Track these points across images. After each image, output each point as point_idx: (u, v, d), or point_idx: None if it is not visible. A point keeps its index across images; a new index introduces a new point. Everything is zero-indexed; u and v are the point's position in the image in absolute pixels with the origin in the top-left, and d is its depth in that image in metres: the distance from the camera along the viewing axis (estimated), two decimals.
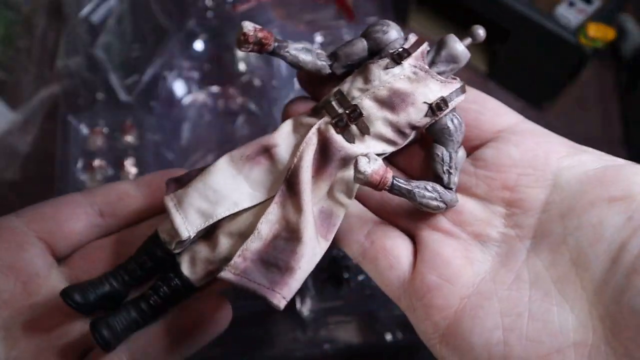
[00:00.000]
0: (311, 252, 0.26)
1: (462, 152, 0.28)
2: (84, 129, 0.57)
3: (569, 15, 0.59)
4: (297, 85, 0.60)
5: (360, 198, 0.30)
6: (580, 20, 0.59)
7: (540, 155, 0.27)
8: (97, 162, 0.56)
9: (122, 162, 0.56)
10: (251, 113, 0.61)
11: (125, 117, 0.58)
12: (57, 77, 0.60)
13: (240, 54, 0.63)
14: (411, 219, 0.29)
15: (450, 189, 0.27)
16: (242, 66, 0.63)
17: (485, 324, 0.25)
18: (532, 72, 0.65)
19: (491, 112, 0.29)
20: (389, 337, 0.50)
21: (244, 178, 0.27)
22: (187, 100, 0.62)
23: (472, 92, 0.29)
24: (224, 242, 0.27)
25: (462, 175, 0.28)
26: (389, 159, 0.30)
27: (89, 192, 0.31)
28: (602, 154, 0.27)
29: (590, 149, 0.27)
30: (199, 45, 0.63)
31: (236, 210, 0.27)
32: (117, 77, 0.59)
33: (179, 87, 0.62)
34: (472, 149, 0.29)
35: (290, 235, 0.26)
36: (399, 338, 0.50)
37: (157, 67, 0.60)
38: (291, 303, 0.51)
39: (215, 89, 0.62)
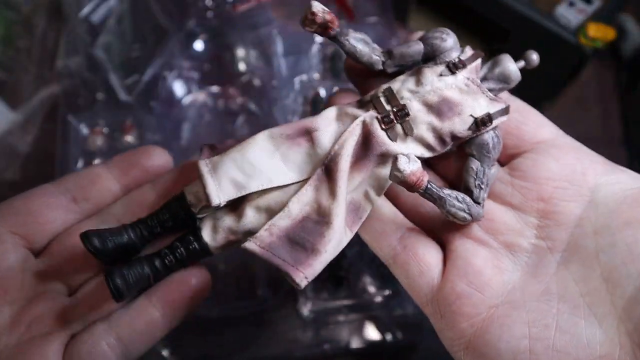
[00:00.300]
0: (338, 238, 0.26)
1: (495, 169, 0.29)
2: (84, 129, 0.57)
3: (569, 15, 0.59)
4: (297, 85, 0.60)
5: (393, 200, 0.31)
6: (580, 20, 0.59)
7: (578, 171, 0.27)
8: (97, 162, 0.56)
9: None
10: (251, 113, 0.61)
11: (125, 117, 0.58)
12: (57, 77, 0.60)
13: (240, 53, 0.63)
14: (443, 225, 0.29)
15: (479, 203, 0.28)
16: (242, 66, 0.63)
17: (512, 333, 0.25)
18: (532, 72, 0.65)
19: (533, 123, 0.29)
20: (389, 337, 0.50)
21: (280, 156, 0.27)
22: (187, 100, 0.62)
23: (516, 102, 0.30)
24: (250, 215, 0.27)
25: (498, 184, 0.29)
26: (427, 162, 0.30)
27: (60, 180, 0.31)
28: (639, 175, 0.27)
29: (627, 170, 0.28)
30: (199, 45, 0.63)
31: (269, 186, 0.27)
32: (117, 77, 0.59)
33: (179, 87, 0.62)
34: (510, 157, 0.29)
35: (320, 218, 0.26)
36: (399, 338, 0.50)
37: (157, 67, 0.60)
38: (291, 303, 0.51)
39: (215, 89, 0.62)
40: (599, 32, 0.57)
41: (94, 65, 0.59)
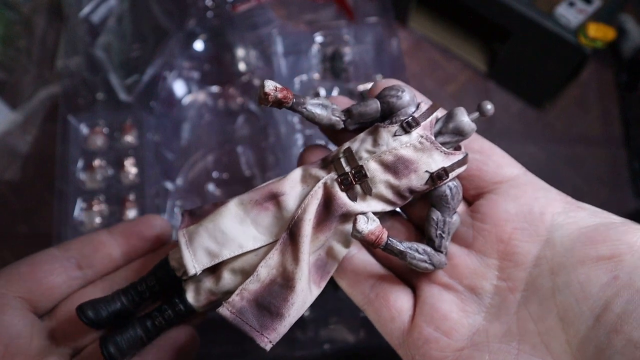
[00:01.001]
0: (302, 301, 0.28)
1: (456, 218, 0.29)
2: (84, 129, 0.57)
3: (569, 15, 0.59)
4: (296, 85, 0.60)
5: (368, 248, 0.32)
6: (580, 20, 0.59)
7: (536, 211, 0.28)
8: (97, 162, 0.56)
9: (122, 162, 0.56)
10: (251, 113, 0.61)
11: (125, 117, 0.58)
12: (57, 77, 0.61)
13: (240, 53, 0.63)
14: (412, 271, 0.30)
15: (441, 251, 0.29)
16: (242, 66, 0.63)
17: None
18: (532, 72, 0.65)
19: (494, 163, 0.29)
20: None
21: (251, 221, 0.29)
22: (187, 100, 0.62)
23: (479, 142, 0.30)
24: (227, 278, 0.29)
25: (461, 227, 0.30)
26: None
27: (64, 245, 0.33)
28: (598, 210, 0.28)
29: (587, 205, 0.28)
30: (199, 45, 0.63)
31: (240, 252, 0.28)
32: (117, 77, 0.59)
33: (179, 87, 0.62)
34: (472, 199, 0.30)
35: (285, 282, 0.28)
36: None
37: (157, 67, 0.60)
38: None
39: (215, 89, 0.62)
40: (599, 32, 0.57)
41: (94, 65, 0.59)
